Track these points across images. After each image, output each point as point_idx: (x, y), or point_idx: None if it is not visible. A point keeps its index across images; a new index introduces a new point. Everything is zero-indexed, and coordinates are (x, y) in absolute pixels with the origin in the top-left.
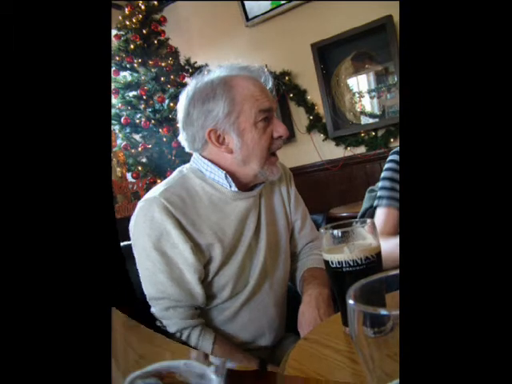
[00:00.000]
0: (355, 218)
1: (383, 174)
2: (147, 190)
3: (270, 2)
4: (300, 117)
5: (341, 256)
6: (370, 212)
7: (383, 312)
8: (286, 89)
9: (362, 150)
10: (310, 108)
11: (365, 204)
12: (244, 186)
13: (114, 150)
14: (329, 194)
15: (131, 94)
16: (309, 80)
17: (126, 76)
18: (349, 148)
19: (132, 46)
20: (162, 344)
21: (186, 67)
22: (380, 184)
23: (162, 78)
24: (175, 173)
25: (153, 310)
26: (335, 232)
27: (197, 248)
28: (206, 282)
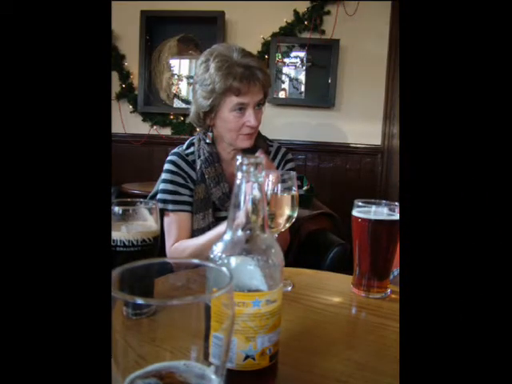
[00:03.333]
0: (146, 197)
1: (164, 176)
2: None
3: None
4: (112, 82)
5: (116, 234)
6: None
7: (139, 301)
8: None
9: (167, 131)
10: (124, 75)
11: (157, 186)
12: None
13: None
14: (125, 167)
15: None
16: (130, 47)
17: None
18: (155, 127)
19: None
20: (162, 344)
21: None
22: (161, 186)
23: None
24: None
25: None
26: (116, 209)
27: None
28: None
